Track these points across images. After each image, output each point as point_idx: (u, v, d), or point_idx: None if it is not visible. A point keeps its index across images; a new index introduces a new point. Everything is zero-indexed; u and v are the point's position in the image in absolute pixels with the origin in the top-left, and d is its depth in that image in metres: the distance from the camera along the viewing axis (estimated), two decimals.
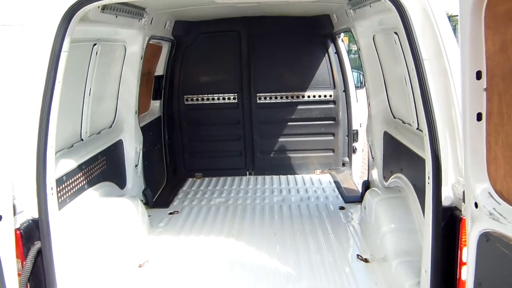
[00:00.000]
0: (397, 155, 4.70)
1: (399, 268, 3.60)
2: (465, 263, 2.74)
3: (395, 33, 4.17)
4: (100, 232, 3.90)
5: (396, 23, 3.96)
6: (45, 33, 2.90)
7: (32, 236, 2.89)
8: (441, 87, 2.74)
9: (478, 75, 2.18)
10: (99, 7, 3.55)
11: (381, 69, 5.08)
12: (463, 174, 2.76)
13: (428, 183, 2.88)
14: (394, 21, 4.08)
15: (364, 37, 5.06)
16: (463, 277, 2.70)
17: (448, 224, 2.82)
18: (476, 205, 2.34)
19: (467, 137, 2.28)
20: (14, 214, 2.71)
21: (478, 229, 2.32)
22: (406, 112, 4.57)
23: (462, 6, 2.15)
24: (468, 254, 2.39)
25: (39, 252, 2.91)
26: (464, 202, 2.63)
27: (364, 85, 7.31)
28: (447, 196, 2.82)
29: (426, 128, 2.79)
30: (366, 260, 4.23)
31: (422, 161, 3.87)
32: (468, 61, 2.17)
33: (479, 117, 2.24)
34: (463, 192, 2.62)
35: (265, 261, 4.32)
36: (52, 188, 2.97)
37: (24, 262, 2.81)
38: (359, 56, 5.42)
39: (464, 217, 2.70)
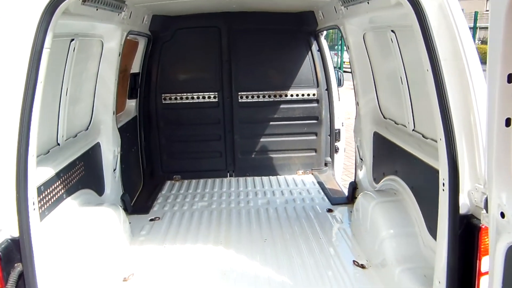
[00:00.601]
0: (390, 157, 4.59)
1: (403, 276, 3.47)
2: (484, 274, 2.64)
3: (392, 31, 4.05)
4: (83, 246, 3.57)
5: (395, 21, 3.89)
6: (25, 28, 2.56)
7: (12, 258, 2.55)
8: (459, 89, 2.60)
9: (510, 78, 2.04)
10: None
11: (371, 68, 4.96)
12: (481, 181, 2.66)
13: (443, 190, 2.75)
14: (390, 19, 4.01)
15: (353, 35, 4.92)
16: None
17: (464, 233, 2.70)
18: (502, 215, 2.21)
19: (493, 143, 2.15)
20: None
21: (507, 241, 2.20)
22: (400, 113, 4.47)
23: (495, 4, 2.01)
24: (495, 267, 2.27)
25: (21, 276, 2.57)
26: (485, 211, 2.52)
27: (341, 84, 7.27)
28: (464, 204, 2.70)
29: (443, 133, 2.65)
30: (362, 266, 4.09)
31: (420, 163, 3.78)
32: (499, 63, 2.03)
33: (508, 122, 2.11)
34: (485, 200, 2.51)
35: (257, 269, 4.11)
36: (34, 203, 2.64)
37: None
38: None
39: (484, 226, 2.60)
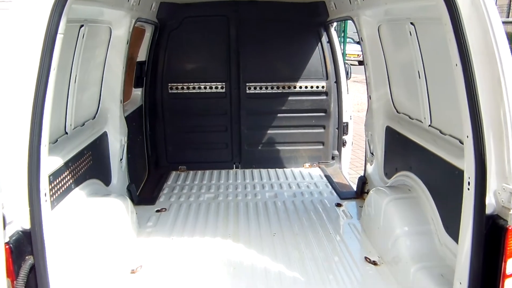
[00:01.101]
0: (404, 152, 4.50)
1: (419, 275, 3.40)
2: (509, 276, 2.57)
3: (411, 23, 3.93)
4: (92, 238, 3.49)
5: (415, 13, 3.77)
6: (39, 12, 2.44)
7: (23, 251, 2.46)
8: (490, 85, 2.50)
9: None
10: None
11: (385, 61, 4.85)
12: (508, 181, 2.57)
13: (468, 189, 2.66)
14: (409, 11, 3.89)
15: (368, 27, 4.80)
16: None
17: (489, 234, 2.62)
18: None
19: None
20: (4, 226, 2.28)
21: None
22: (415, 107, 4.37)
23: None
24: None
25: (32, 269, 2.49)
26: None
27: (349, 77, 7.16)
28: (490, 204, 2.61)
29: (471, 131, 2.55)
30: (374, 263, 4.02)
31: (438, 160, 3.69)
32: None
33: None
34: None
35: (267, 264, 4.04)
36: (45, 194, 2.55)
37: (15, 282, 2.39)
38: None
39: (511, 227, 2.52)
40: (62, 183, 3.56)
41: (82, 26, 3.83)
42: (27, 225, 2.47)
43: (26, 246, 2.47)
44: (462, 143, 2.96)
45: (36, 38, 2.43)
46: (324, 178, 6.41)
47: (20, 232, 2.46)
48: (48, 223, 2.55)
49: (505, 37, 2.51)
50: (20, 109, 2.42)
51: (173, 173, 6.64)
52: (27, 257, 2.48)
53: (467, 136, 2.63)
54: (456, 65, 2.59)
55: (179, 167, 6.76)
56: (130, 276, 3.82)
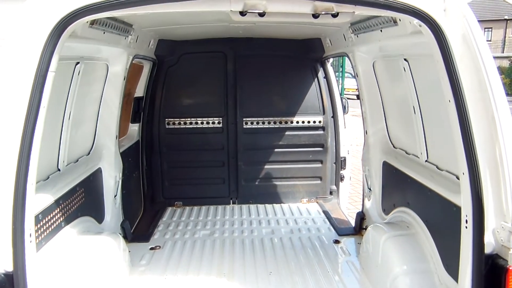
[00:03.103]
0: (401, 188, 4.44)
1: None
2: None
3: (405, 59, 3.96)
4: (81, 278, 3.38)
5: (409, 49, 3.80)
6: (30, 50, 2.45)
7: None
8: (484, 121, 2.47)
9: None
10: (87, 21, 3.12)
11: (380, 96, 4.86)
12: (507, 219, 2.50)
13: (466, 227, 2.59)
14: (403, 47, 3.92)
15: (363, 63, 4.83)
16: None
17: (489, 274, 2.53)
18: None
19: None
20: None
21: None
22: (411, 143, 4.34)
23: None
24: None
25: None
26: None
27: (347, 111, 7.17)
28: (489, 242, 2.53)
29: (466, 167, 2.51)
30: None
31: (435, 196, 3.62)
32: None
33: None
34: None
35: None
36: (30, 235, 2.48)
37: None
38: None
39: None
40: (52, 221, 3.48)
41: (78, 63, 3.85)
42: (10, 267, 2.38)
43: None
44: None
45: (27, 75, 2.43)
46: (322, 214, 6.31)
47: (2, 275, 2.37)
48: (32, 265, 2.46)
49: (497, 74, 2.51)
50: (6, 147, 2.38)
51: (169, 209, 6.55)
52: None
53: (463, 173, 2.59)
54: (450, 101, 2.58)
55: (175, 202, 6.67)
56: None
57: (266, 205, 6.68)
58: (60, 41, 2.53)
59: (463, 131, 2.49)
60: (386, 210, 4.85)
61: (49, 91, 2.54)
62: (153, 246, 5.14)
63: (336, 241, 5.29)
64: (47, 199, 3.43)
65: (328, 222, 5.97)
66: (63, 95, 3.78)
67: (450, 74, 2.50)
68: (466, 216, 2.59)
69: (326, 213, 6.31)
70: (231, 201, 6.78)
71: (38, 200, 3.25)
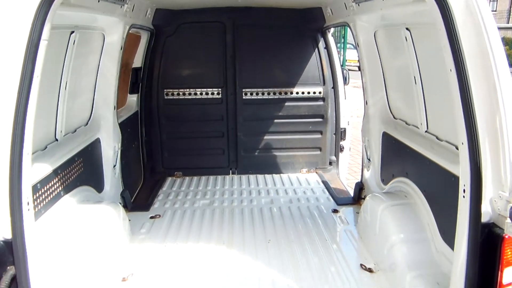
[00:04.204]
0: (400, 158, 4.44)
1: (415, 282, 3.32)
2: (506, 285, 2.50)
3: (407, 29, 3.88)
4: (80, 246, 3.42)
5: (411, 18, 3.72)
6: (21, 18, 2.38)
7: (4, 261, 2.40)
8: (485, 90, 2.44)
9: None
10: None
11: (381, 66, 4.80)
12: (505, 188, 2.50)
13: (464, 196, 2.59)
14: (405, 16, 3.84)
15: (364, 33, 4.74)
16: None
17: (485, 242, 2.55)
18: None
19: None
20: None
21: None
22: (411, 113, 4.31)
23: None
24: None
25: (13, 280, 2.42)
26: (510, 219, 2.38)
27: (347, 82, 7.10)
28: (486, 212, 2.54)
29: (466, 137, 2.49)
30: (370, 270, 3.95)
31: (434, 166, 3.62)
32: None
33: None
34: (510, 209, 2.37)
35: (262, 271, 3.97)
36: (28, 203, 2.48)
37: None
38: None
39: (508, 236, 2.45)
40: (51, 190, 3.50)
41: (73, 32, 3.79)
42: (8, 235, 2.40)
43: (8, 256, 2.41)
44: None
45: (19, 44, 2.38)
46: (321, 184, 6.34)
47: (1, 242, 2.39)
48: (31, 233, 2.49)
49: (500, 42, 2.45)
50: (1, 117, 2.36)
51: (169, 179, 6.58)
52: (8, 268, 2.41)
53: (462, 143, 2.57)
54: (451, 70, 2.53)
55: (175, 173, 6.71)
56: (121, 284, 3.75)
57: (266, 175, 6.71)
58: (51, 9, 2.47)
59: (464, 101, 2.46)
60: (385, 180, 4.87)
61: (42, 59, 2.50)
62: (153, 215, 5.19)
63: (335, 211, 5.34)
64: (45, 168, 3.43)
65: (327, 192, 6.01)
66: (58, 64, 3.73)
67: (452, 43, 2.45)
68: (464, 185, 2.59)
69: (325, 183, 6.34)
70: (230, 171, 6.80)
71: (36, 170, 3.27)
